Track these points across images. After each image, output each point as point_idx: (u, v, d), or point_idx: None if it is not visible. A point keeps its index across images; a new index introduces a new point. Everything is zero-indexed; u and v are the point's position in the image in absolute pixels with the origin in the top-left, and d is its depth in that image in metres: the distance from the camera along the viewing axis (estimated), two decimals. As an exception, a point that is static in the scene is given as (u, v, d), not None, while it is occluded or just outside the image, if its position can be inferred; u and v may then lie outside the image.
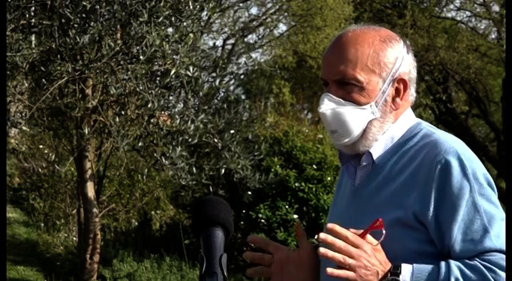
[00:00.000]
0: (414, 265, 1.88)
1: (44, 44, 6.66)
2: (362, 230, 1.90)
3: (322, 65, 2.06)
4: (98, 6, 6.69)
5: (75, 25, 6.83)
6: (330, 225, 1.88)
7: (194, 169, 7.28)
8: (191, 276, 8.59)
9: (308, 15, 16.89)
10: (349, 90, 1.99)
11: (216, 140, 7.38)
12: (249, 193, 8.83)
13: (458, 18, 20.29)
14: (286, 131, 10.21)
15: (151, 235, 10.62)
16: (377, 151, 2.02)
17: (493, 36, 19.77)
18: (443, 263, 1.88)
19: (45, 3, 6.88)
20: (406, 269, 1.88)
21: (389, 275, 1.88)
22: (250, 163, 7.62)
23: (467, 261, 1.88)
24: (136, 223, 10.97)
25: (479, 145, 18.93)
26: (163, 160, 7.05)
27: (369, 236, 1.90)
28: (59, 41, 6.67)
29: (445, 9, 20.11)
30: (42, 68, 6.88)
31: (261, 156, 7.99)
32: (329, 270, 1.85)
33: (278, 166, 9.42)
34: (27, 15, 7.04)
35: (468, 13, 19.85)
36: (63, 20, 6.82)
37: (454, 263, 1.87)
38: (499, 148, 18.95)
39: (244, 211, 9.31)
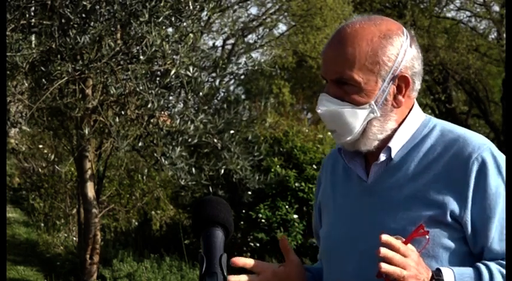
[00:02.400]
0: (454, 268, 1.85)
1: (44, 44, 6.66)
2: (401, 237, 1.85)
3: (322, 62, 2.00)
4: (98, 6, 6.69)
5: (75, 25, 6.83)
6: (384, 237, 1.79)
7: (194, 169, 7.28)
8: (191, 276, 8.59)
9: (308, 15, 16.91)
10: (347, 90, 1.92)
11: (215, 141, 7.37)
12: (249, 193, 8.82)
13: (458, 18, 20.31)
14: (286, 131, 10.20)
15: (151, 235, 10.62)
16: (396, 146, 1.96)
17: (493, 36, 19.79)
18: (483, 267, 1.85)
19: (45, 3, 6.88)
20: (447, 273, 1.84)
21: None
22: (250, 164, 7.61)
23: (504, 264, 1.85)
24: (136, 223, 10.97)
25: (479, 145, 18.91)
26: (163, 160, 7.04)
27: (409, 244, 1.86)
28: (59, 41, 6.67)
29: (445, 9, 20.14)
30: (42, 68, 6.87)
31: (260, 156, 7.96)
32: None
33: (278, 166, 9.42)
34: (27, 15, 7.04)
35: (468, 13, 19.87)
36: (63, 20, 6.82)
37: (494, 267, 1.84)
38: (499, 148, 18.94)
39: (244, 211, 9.31)
